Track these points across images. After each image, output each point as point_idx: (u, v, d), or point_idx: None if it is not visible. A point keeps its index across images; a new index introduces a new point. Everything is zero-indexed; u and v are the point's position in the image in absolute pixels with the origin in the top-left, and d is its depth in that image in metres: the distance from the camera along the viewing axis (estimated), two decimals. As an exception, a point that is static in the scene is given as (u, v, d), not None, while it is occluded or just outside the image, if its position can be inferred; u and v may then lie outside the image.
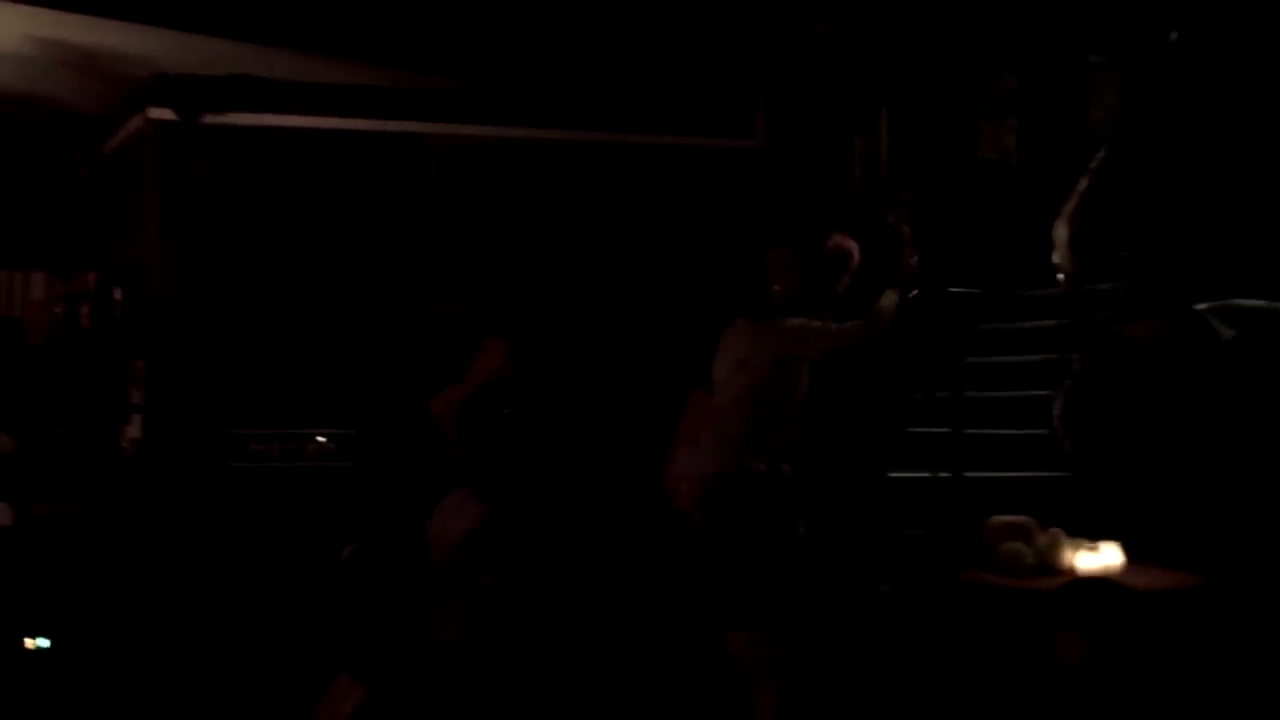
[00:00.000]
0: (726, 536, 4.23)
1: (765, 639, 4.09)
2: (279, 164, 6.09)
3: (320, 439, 5.93)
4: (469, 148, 6.41)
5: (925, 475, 5.28)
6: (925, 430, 5.51)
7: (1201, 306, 4.55)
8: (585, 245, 6.42)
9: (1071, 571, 3.92)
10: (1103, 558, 3.92)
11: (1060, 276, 5.45)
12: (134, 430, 5.92)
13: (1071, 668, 3.44)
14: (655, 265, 6.37)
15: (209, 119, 5.99)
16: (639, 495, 5.48)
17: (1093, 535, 4.13)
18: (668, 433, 4.78)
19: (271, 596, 5.51)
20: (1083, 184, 5.71)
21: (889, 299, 4.35)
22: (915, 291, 4.55)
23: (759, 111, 6.62)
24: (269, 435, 5.86)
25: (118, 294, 6.13)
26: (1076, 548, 4.01)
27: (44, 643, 5.34)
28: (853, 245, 4.85)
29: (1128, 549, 4.06)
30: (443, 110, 6.44)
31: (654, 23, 6.60)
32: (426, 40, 6.36)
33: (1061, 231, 5.54)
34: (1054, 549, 3.98)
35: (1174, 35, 5.88)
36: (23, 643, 5.33)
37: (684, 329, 5.78)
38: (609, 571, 5.76)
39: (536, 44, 6.52)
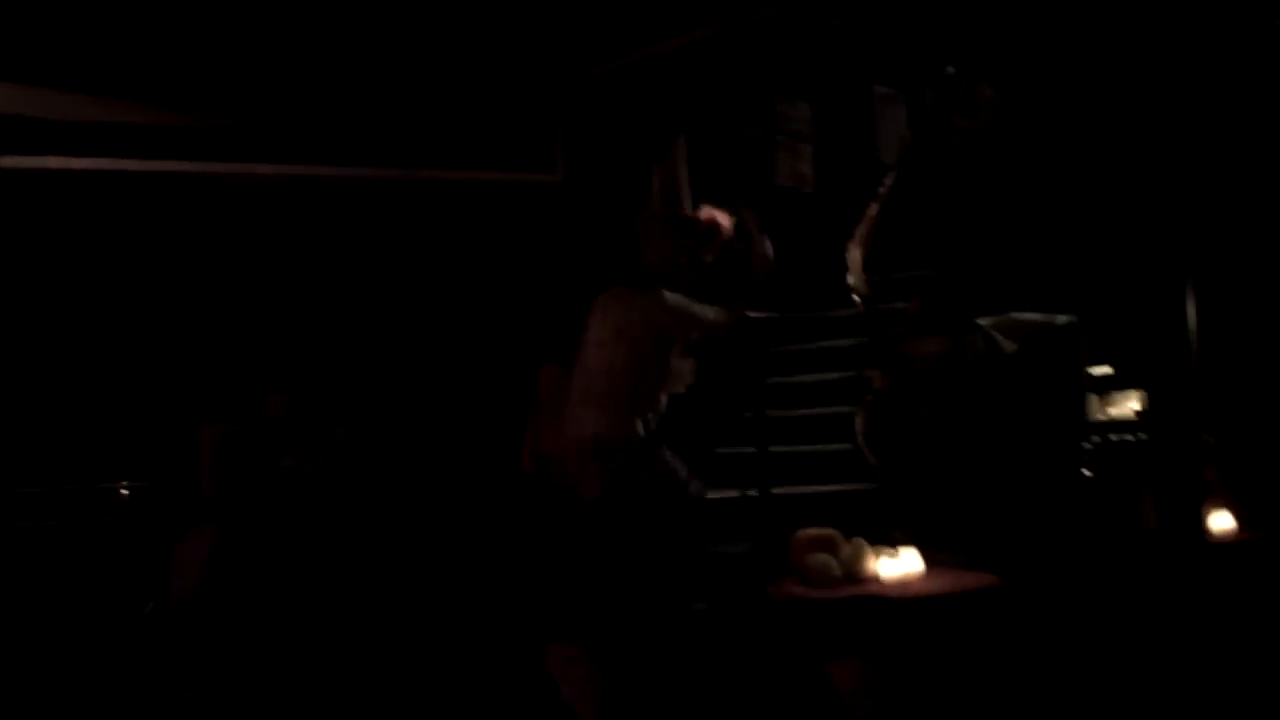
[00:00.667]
0: (615, 503, 4.28)
1: (585, 657, 4.09)
2: (62, 207, 5.86)
3: (123, 491, 5.68)
4: (267, 186, 6.28)
5: (735, 494, 5.38)
6: (733, 450, 5.61)
7: (985, 321, 4.79)
8: (389, 281, 6.36)
9: (876, 579, 4.05)
10: (903, 564, 4.06)
11: (856, 298, 5.65)
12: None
13: (850, 693, 3.57)
14: (458, 299, 6.36)
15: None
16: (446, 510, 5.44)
17: (896, 543, 4.27)
18: (480, 454, 4.78)
19: (65, 661, 5.23)
20: (873, 209, 5.94)
21: (746, 290, 4.68)
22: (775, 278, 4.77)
23: (558, 146, 6.70)
24: (58, 492, 5.58)
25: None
26: (879, 555, 4.14)
27: None
28: (723, 218, 4.97)
29: (931, 553, 4.21)
30: (236, 149, 6.30)
31: (453, 61, 6.61)
32: (215, 80, 6.23)
33: (855, 254, 5.74)
34: (858, 558, 4.09)
35: (950, 69, 6.19)
36: None
37: (488, 359, 5.82)
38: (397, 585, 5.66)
39: (334, 81, 6.45)
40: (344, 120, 6.54)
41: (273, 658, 4.79)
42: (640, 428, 4.42)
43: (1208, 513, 4.31)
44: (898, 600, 3.91)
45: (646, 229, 4.70)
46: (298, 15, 6.36)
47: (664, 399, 4.59)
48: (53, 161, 5.90)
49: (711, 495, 5.49)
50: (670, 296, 4.54)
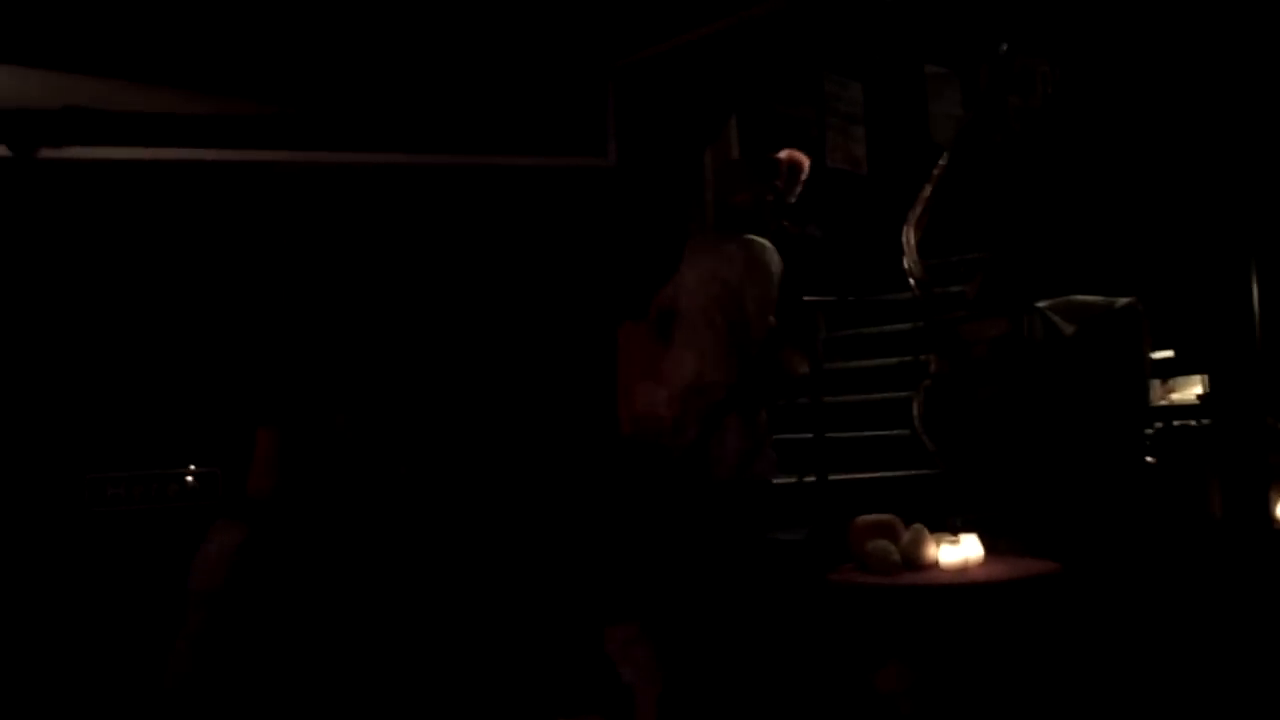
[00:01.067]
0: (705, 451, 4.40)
1: (644, 638, 4.12)
2: (124, 197, 5.95)
3: (188, 478, 5.77)
4: (321, 174, 6.34)
5: (793, 480, 5.38)
6: (790, 436, 5.61)
7: (1043, 304, 4.75)
8: (441, 267, 6.40)
9: (936, 565, 4.05)
10: (963, 550, 4.05)
11: (911, 281, 5.62)
12: (-23, 483, 5.68)
13: (892, 695, 3.57)
14: (512, 287, 6.39)
15: (45, 153, 5.83)
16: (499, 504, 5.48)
17: (956, 529, 4.27)
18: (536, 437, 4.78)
19: (132, 644, 5.33)
20: (926, 190, 5.91)
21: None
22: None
23: (610, 129, 6.69)
24: (128, 477, 5.68)
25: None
26: (939, 542, 4.14)
27: None
28: (803, 157, 5.03)
29: (990, 540, 4.20)
30: (292, 137, 6.35)
31: (500, 44, 6.61)
32: (271, 65, 6.27)
33: (910, 237, 5.72)
34: (918, 545, 4.09)
35: (1004, 46, 6.13)
36: None
37: (544, 350, 5.85)
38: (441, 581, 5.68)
39: (383, 66, 6.48)
40: (396, 106, 6.57)
41: (296, 655, 4.84)
42: (737, 372, 4.48)
43: (1275, 499, 4.26)
44: (959, 586, 3.90)
45: (731, 172, 4.71)
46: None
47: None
48: (119, 152, 5.98)
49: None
50: (757, 246, 4.57)
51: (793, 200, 4.97)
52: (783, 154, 4.98)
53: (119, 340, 5.86)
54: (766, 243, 4.62)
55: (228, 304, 6.04)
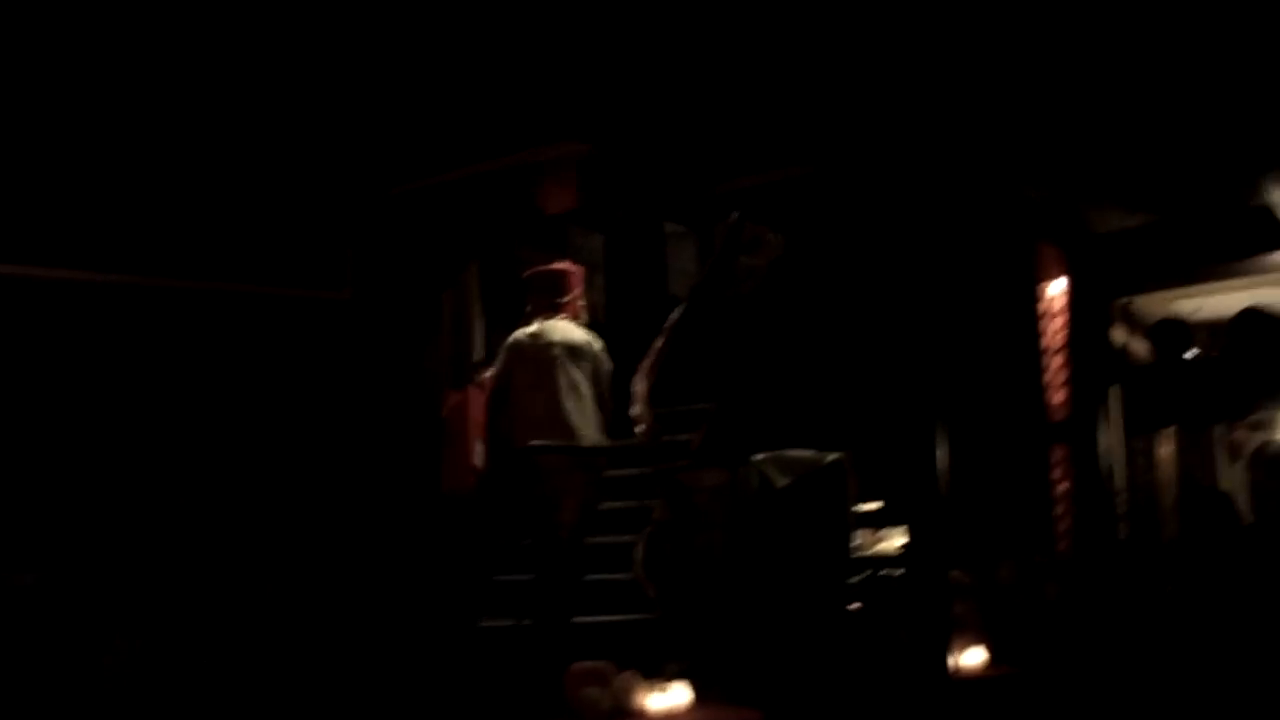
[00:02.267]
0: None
1: None
2: None
3: None
4: (48, 290, 6.03)
5: (513, 623, 5.34)
6: (512, 578, 5.58)
7: (760, 457, 4.95)
8: (174, 392, 6.17)
9: (643, 713, 4.08)
10: (671, 698, 4.10)
11: (639, 428, 5.75)
12: None
13: None
14: (243, 414, 6.22)
15: None
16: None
17: (669, 676, 4.31)
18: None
19: None
20: (659, 341, 6.10)
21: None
22: None
23: (348, 264, 6.68)
24: None
25: None
26: (650, 689, 4.18)
27: None
28: (572, 266, 5.94)
29: (702, 687, 4.26)
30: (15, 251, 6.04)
31: (250, 175, 6.55)
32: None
33: (640, 386, 5.88)
34: (627, 693, 4.12)
35: (735, 214, 6.47)
36: None
37: (276, 475, 5.68)
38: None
39: (116, 184, 6.29)
40: (138, 227, 6.37)
41: None
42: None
43: (957, 648, 4.50)
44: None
45: (529, 283, 5.73)
46: (90, 121, 6.20)
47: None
48: None
49: (489, 624, 5.47)
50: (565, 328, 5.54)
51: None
52: (565, 265, 5.84)
53: None
54: (573, 329, 5.57)
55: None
